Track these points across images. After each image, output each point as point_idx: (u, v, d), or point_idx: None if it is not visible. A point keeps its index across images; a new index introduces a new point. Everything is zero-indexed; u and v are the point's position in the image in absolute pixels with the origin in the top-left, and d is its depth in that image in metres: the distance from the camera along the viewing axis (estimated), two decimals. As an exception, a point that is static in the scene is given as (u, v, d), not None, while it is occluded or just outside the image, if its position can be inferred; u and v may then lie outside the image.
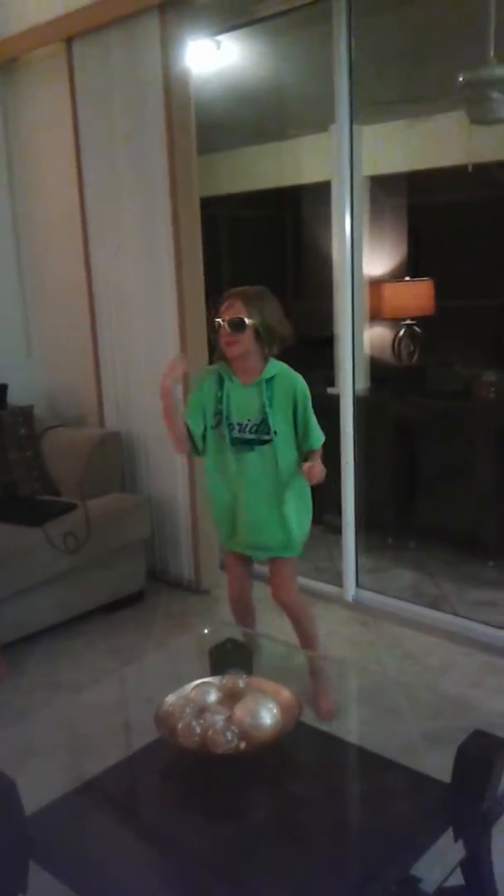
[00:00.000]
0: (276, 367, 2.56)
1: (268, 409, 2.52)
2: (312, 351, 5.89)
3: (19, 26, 3.75)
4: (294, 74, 4.71)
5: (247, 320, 2.48)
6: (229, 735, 1.75)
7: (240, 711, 1.80)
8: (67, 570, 3.30)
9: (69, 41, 3.54)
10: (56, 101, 3.71)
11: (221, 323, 2.50)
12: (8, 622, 3.12)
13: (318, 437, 2.59)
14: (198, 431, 2.61)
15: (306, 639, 2.77)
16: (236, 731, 1.76)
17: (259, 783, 1.83)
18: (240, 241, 6.68)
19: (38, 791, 1.92)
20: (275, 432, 2.53)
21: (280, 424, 2.53)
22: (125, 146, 3.47)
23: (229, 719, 1.80)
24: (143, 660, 3.07)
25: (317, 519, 4.51)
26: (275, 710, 1.81)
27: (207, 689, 1.93)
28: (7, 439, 3.59)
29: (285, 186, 6.15)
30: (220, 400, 2.58)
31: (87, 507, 3.40)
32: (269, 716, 1.79)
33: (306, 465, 2.51)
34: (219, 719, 1.79)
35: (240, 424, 2.56)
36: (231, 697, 1.90)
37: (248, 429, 2.56)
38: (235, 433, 2.57)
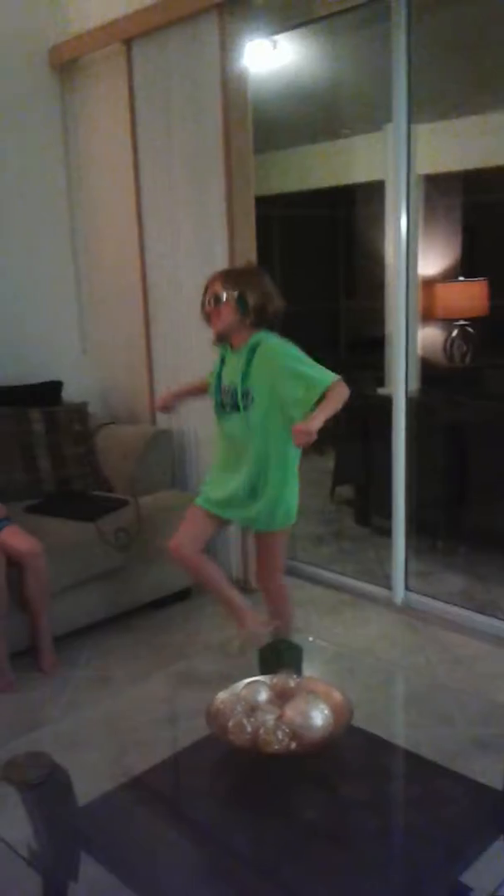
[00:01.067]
0: (259, 336, 2.62)
1: (244, 376, 2.59)
2: (363, 351, 5.89)
3: (80, 27, 3.80)
4: (349, 74, 4.70)
5: (223, 295, 2.58)
6: (280, 734, 1.75)
7: (291, 711, 1.81)
8: (118, 566, 3.34)
9: (128, 42, 3.58)
10: (114, 101, 3.75)
11: (206, 303, 2.63)
12: (59, 616, 3.17)
13: (323, 378, 2.52)
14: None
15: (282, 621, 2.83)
16: (287, 730, 1.77)
17: (309, 784, 1.84)
18: (291, 240, 6.68)
19: (87, 783, 1.95)
20: (252, 399, 2.58)
21: (259, 393, 2.58)
22: (183, 145, 3.49)
23: (280, 719, 1.81)
24: (190, 657, 3.09)
25: (364, 520, 4.55)
26: (326, 712, 1.81)
27: (258, 687, 1.94)
28: (62, 435, 3.65)
29: (338, 186, 6.13)
30: (219, 371, 2.71)
31: (138, 504, 3.44)
32: (320, 717, 1.79)
33: (294, 426, 2.47)
34: (270, 718, 1.80)
35: (225, 388, 2.67)
36: (281, 697, 1.91)
37: (230, 393, 2.64)
38: (222, 396, 2.68)
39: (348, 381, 5.19)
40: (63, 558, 3.16)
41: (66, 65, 3.93)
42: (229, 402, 2.66)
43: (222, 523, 2.86)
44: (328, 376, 2.54)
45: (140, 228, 3.77)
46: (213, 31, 3.27)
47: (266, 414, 2.60)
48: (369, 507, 4.53)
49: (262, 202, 3.64)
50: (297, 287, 6.99)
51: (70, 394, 3.91)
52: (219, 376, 2.71)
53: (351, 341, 6.48)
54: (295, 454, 2.70)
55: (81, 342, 4.25)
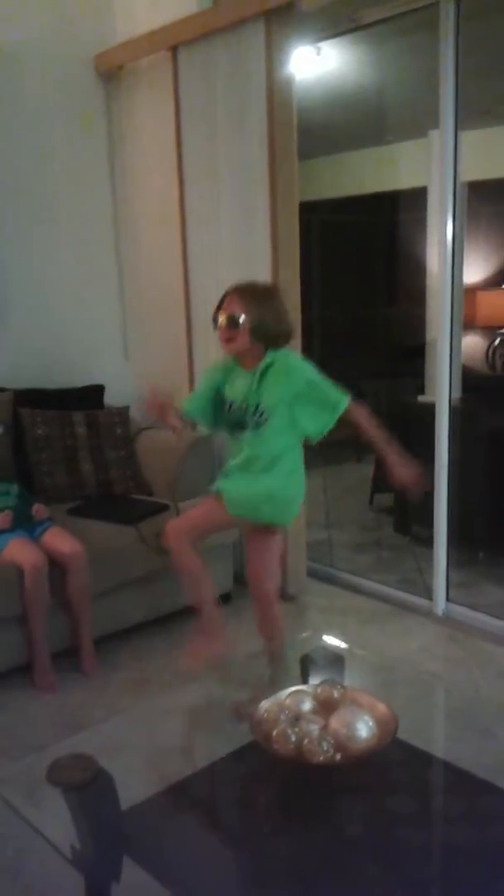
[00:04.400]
0: (274, 355, 2.56)
1: (255, 394, 2.54)
2: (403, 358, 5.85)
3: (126, 35, 3.84)
4: (393, 80, 4.68)
5: (241, 318, 2.51)
6: (325, 745, 1.74)
7: (336, 722, 1.80)
8: (158, 570, 3.35)
9: (174, 49, 3.60)
10: (160, 107, 3.78)
11: (218, 318, 2.55)
12: (100, 618, 3.19)
13: (339, 400, 2.54)
14: (190, 406, 2.73)
15: (272, 629, 2.79)
16: (332, 741, 1.76)
17: (352, 796, 1.82)
18: (333, 245, 6.67)
19: (129, 787, 1.96)
20: (264, 416, 2.54)
21: (272, 410, 2.53)
22: (227, 151, 3.51)
23: (325, 729, 1.80)
24: (231, 663, 3.09)
25: (404, 529, 4.51)
26: (371, 724, 1.80)
27: (302, 697, 1.93)
28: (104, 439, 3.68)
29: (380, 192, 6.11)
30: (223, 382, 2.66)
31: (178, 508, 3.45)
32: (365, 728, 1.78)
33: (396, 472, 2.56)
34: (314, 728, 1.79)
35: (231, 406, 2.62)
36: (326, 707, 1.90)
37: (239, 408, 2.59)
38: (229, 411, 2.63)
39: (389, 388, 5.16)
40: (104, 561, 3.18)
41: (112, 71, 3.97)
42: (234, 420, 2.61)
43: (233, 523, 2.83)
44: (344, 398, 2.54)
45: (183, 234, 3.79)
46: (259, 37, 3.28)
47: (278, 430, 2.56)
48: (409, 516, 4.49)
49: (305, 207, 3.64)
50: (338, 293, 7.00)
51: (112, 398, 3.94)
52: (221, 392, 2.65)
53: (391, 348, 6.45)
54: (300, 452, 2.69)
55: (124, 348, 4.28)
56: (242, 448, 2.65)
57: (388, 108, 5.12)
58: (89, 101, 4.00)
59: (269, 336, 2.56)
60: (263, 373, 2.54)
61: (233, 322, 2.53)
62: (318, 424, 2.56)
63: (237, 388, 2.61)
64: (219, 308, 2.61)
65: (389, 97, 4.88)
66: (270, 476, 2.61)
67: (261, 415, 2.55)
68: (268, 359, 2.56)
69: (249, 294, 2.56)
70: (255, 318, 2.52)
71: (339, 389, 2.55)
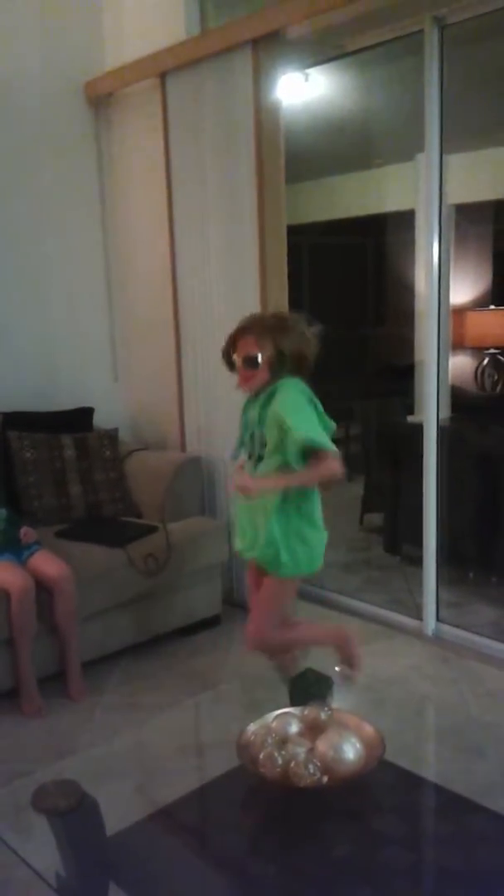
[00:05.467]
0: (276, 386, 2.46)
1: (260, 422, 2.49)
2: (392, 379, 5.88)
3: (116, 62, 3.88)
4: (380, 105, 4.75)
5: (259, 357, 2.43)
6: (312, 768, 1.73)
7: (322, 745, 1.79)
8: (147, 592, 3.34)
9: (163, 76, 3.65)
10: (149, 133, 3.82)
11: (235, 360, 2.48)
12: (88, 641, 3.17)
13: (301, 434, 2.36)
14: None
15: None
16: (319, 764, 1.75)
17: (340, 818, 1.81)
18: (321, 268, 6.72)
19: (116, 812, 1.94)
20: (265, 446, 2.46)
21: (270, 440, 2.45)
22: (216, 177, 3.54)
23: (311, 752, 1.79)
24: (219, 686, 3.07)
25: (394, 549, 4.51)
26: (358, 746, 1.79)
27: (289, 719, 1.92)
28: (93, 461, 3.68)
29: (368, 215, 6.17)
30: (246, 416, 2.60)
31: (167, 530, 3.44)
32: (352, 751, 1.77)
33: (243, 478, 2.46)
34: (301, 751, 1.78)
35: (252, 435, 2.55)
36: (313, 729, 1.89)
37: (251, 438, 2.55)
38: (255, 446, 2.55)
39: (379, 408, 5.17)
40: (92, 583, 3.17)
41: (102, 98, 4.01)
42: (256, 450, 2.54)
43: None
44: (308, 435, 2.37)
45: (172, 258, 3.81)
46: (247, 64, 3.32)
47: (274, 460, 2.46)
48: (399, 536, 4.49)
49: (294, 231, 3.68)
50: (327, 314, 7.03)
51: (101, 420, 3.95)
52: (245, 426, 2.61)
53: (380, 368, 6.49)
54: (308, 505, 2.52)
55: (113, 370, 4.29)
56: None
57: (375, 133, 5.19)
58: (79, 127, 4.04)
59: (287, 363, 2.46)
60: (266, 403, 2.47)
61: (251, 363, 2.45)
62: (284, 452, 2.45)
63: (249, 417, 2.57)
64: (231, 347, 2.52)
65: (376, 122, 4.95)
66: (263, 512, 2.51)
67: (263, 446, 2.49)
68: (271, 388, 2.47)
69: (264, 328, 2.47)
70: (271, 351, 2.43)
71: (315, 429, 2.41)
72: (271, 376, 2.47)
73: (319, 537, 2.56)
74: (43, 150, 3.92)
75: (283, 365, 2.46)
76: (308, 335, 2.50)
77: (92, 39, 3.99)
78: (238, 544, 2.66)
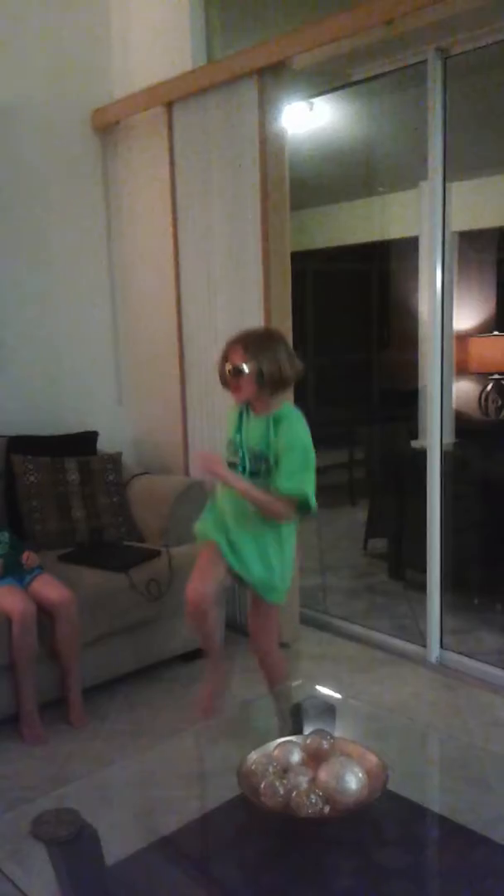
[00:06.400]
0: (286, 411, 2.63)
1: (267, 444, 2.58)
2: (396, 404, 5.89)
3: (123, 91, 3.94)
4: (384, 133, 4.80)
5: (245, 367, 2.56)
6: (314, 798, 1.71)
7: (324, 774, 1.76)
8: (149, 617, 3.32)
9: (170, 105, 3.69)
10: (155, 161, 3.86)
11: (228, 368, 2.61)
12: (89, 667, 3.15)
13: (286, 485, 2.54)
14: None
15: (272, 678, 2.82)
16: (321, 794, 1.72)
17: (342, 850, 1.78)
18: (326, 294, 6.76)
19: (115, 841, 1.91)
20: (267, 467, 2.58)
21: (272, 464, 2.59)
22: (220, 204, 3.57)
23: (313, 781, 1.76)
24: (220, 713, 3.04)
25: (398, 574, 4.49)
26: (361, 775, 1.76)
27: (291, 748, 1.90)
28: (96, 485, 3.67)
29: (372, 241, 6.22)
30: (238, 429, 2.69)
31: (170, 555, 3.43)
32: (354, 780, 1.74)
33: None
34: (303, 781, 1.76)
35: (251, 450, 2.63)
36: (315, 758, 1.86)
37: (253, 456, 2.62)
38: (233, 457, 2.67)
39: (382, 432, 5.18)
40: (94, 608, 3.15)
41: (109, 126, 4.06)
42: (247, 465, 2.63)
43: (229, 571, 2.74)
44: (291, 486, 2.54)
45: (177, 283, 3.84)
46: (253, 94, 3.37)
47: (266, 481, 2.60)
48: (403, 561, 4.47)
49: (298, 257, 3.70)
50: (331, 339, 7.07)
51: (105, 444, 3.95)
52: (238, 435, 2.68)
53: (384, 393, 6.50)
54: (288, 532, 2.70)
55: (118, 393, 4.30)
56: (228, 495, 2.67)
57: (379, 160, 5.24)
58: (86, 155, 4.08)
59: (273, 382, 2.59)
60: (275, 424, 2.59)
61: (237, 372, 2.58)
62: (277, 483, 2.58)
63: (252, 433, 2.64)
64: (224, 360, 2.65)
65: (380, 149, 5.00)
66: (264, 537, 2.65)
67: (267, 462, 2.59)
68: (278, 412, 2.61)
69: (250, 343, 2.60)
70: (257, 365, 2.56)
71: (300, 478, 2.55)
72: (259, 390, 2.59)
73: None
74: (50, 178, 3.96)
75: (268, 380, 2.57)
76: (287, 353, 2.63)
77: (100, 68, 4.05)
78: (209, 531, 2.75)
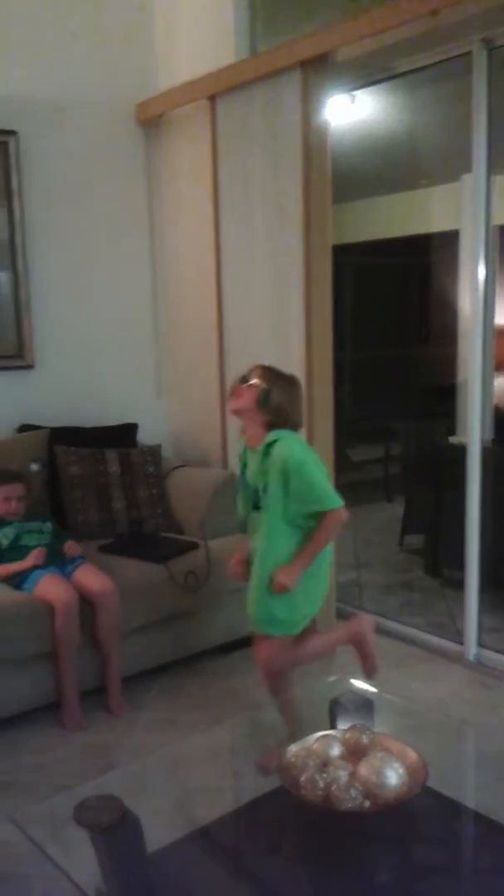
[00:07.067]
0: (274, 436, 2.53)
1: (262, 473, 2.54)
2: (434, 399, 5.85)
3: (167, 85, 3.95)
4: (427, 126, 4.75)
5: (253, 379, 2.56)
6: (353, 792, 1.72)
7: (364, 769, 1.77)
8: (187, 609, 3.35)
9: (213, 98, 3.70)
10: (197, 154, 3.87)
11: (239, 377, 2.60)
12: (128, 656, 3.19)
13: (323, 501, 2.48)
14: (243, 510, 2.71)
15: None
16: (361, 788, 1.73)
17: (381, 844, 1.79)
18: (365, 287, 6.72)
19: (154, 830, 1.94)
20: (268, 496, 2.51)
21: (272, 493, 2.50)
22: (263, 197, 3.57)
23: (353, 775, 1.77)
24: (257, 705, 3.06)
25: (434, 571, 4.47)
26: (401, 771, 1.77)
27: (330, 741, 1.91)
28: (136, 477, 3.71)
29: (412, 235, 6.17)
30: (244, 467, 2.67)
31: (208, 547, 3.46)
32: (395, 776, 1.75)
33: (275, 574, 2.48)
34: (343, 775, 1.77)
35: (255, 486, 2.61)
36: (354, 753, 1.87)
37: (258, 492, 2.59)
38: (258, 496, 2.60)
39: (420, 428, 5.15)
40: (133, 599, 3.19)
41: (152, 120, 4.08)
42: (259, 501, 2.60)
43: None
44: (328, 501, 2.48)
45: (218, 275, 3.85)
46: (296, 87, 3.36)
47: (277, 513, 2.51)
48: (440, 558, 4.45)
49: (337, 250, 3.69)
50: (369, 334, 7.04)
51: (145, 436, 3.98)
52: (244, 476, 2.67)
53: (422, 389, 6.45)
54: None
55: (157, 386, 4.33)
56: (253, 532, 2.66)
57: (421, 153, 5.19)
58: (129, 149, 4.11)
59: (274, 412, 2.54)
60: (266, 451, 2.54)
61: (244, 379, 2.59)
62: (301, 514, 2.52)
63: (252, 468, 2.62)
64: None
65: (423, 142, 4.95)
66: (260, 565, 2.56)
67: (265, 492, 2.53)
68: (271, 437, 2.54)
69: (272, 371, 2.62)
70: (266, 386, 2.54)
71: (329, 489, 2.51)
72: (256, 410, 2.55)
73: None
74: (94, 172, 4.00)
75: (270, 407, 2.54)
76: (297, 402, 2.62)
77: (144, 62, 4.07)
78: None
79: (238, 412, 2.63)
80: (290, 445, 2.51)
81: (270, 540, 2.54)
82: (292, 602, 2.55)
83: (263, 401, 2.54)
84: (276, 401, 2.54)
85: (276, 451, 2.50)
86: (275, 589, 2.49)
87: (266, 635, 2.62)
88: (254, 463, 2.60)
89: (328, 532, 2.53)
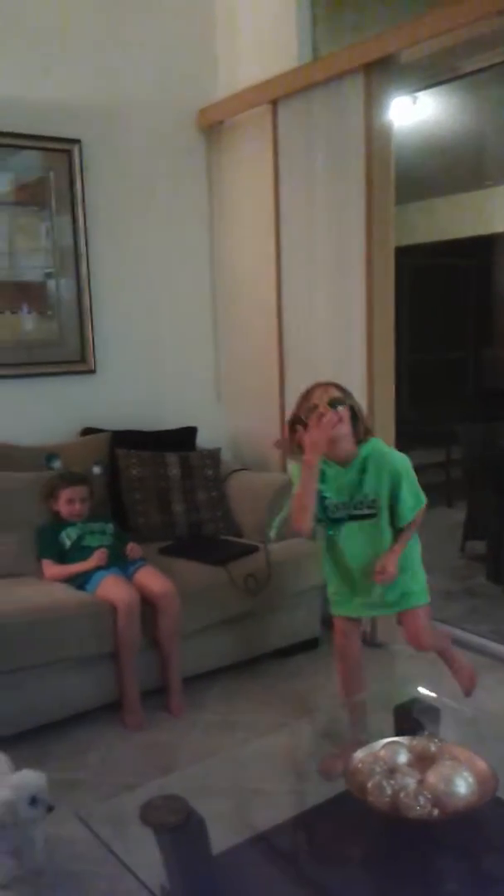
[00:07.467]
0: (372, 445, 2.63)
1: (362, 484, 2.60)
2: (497, 402, 5.74)
3: (229, 90, 3.97)
4: (491, 126, 4.69)
5: (345, 400, 2.60)
6: (422, 800, 1.69)
7: (433, 777, 1.74)
8: (247, 612, 3.35)
9: (274, 102, 3.71)
10: (258, 159, 3.88)
11: (317, 406, 2.54)
12: (189, 658, 3.20)
13: (421, 498, 2.65)
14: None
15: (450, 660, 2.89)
16: (429, 796, 1.71)
17: (449, 854, 1.76)
18: (425, 289, 6.65)
19: (217, 831, 1.94)
20: (376, 508, 2.62)
21: (383, 497, 2.62)
22: (324, 201, 3.56)
23: (421, 783, 1.75)
24: (318, 709, 3.05)
25: (497, 578, 4.38)
26: (470, 780, 1.74)
27: (397, 748, 1.88)
28: (196, 480, 3.73)
29: (476, 235, 6.08)
30: (327, 489, 2.65)
31: (268, 551, 3.45)
32: (464, 785, 1.72)
33: (378, 565, 2.61)
34: (411, 782, 1.74)
35: (341, 505, 2.64)
36: (422, 761, 1.85)
37: (351, 506, 2.63)
38: (336, 513, 2.66)
39: (483, 431, 5.04)
40: (194, 601, 3.20)
41: (214, 126, 4.11)
42: (357, 514, 2.65)
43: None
44: (416, 504, 2.65)
45: (278, 280, 3.85)
46: (359, 90, 3.34)
47: (384, 515, 2.64)
48: (503, 564, 4.36)
49: (399, 252, 3.65)
50: (431, 335, 6.95)
51: (204, 440, 4.00)
52: (329, 495, 2.66)
53: (485, 392, 6.35)
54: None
55: (217, 389, 4.35)
56: (346, 548, 2.68)
57: (484, 153, 5.12)
58: (191, 155, 4.14)
59: (362, 424, 2.64)
60: (363, 465, 2.60)
61: (338, 402, 2.58)
62: (409, 511, 2.64)
63: (344, 488, 2.63)
64: (304, 407, 2.61)
65: (486, 142, 4.88)
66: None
67: (374, 502, 2.62)
68: (369, 447, 2.62)
69: (340, 385, 2.65)
70: (353, 403, 2.63)
71: (419, 498, 2.66)
72: (353, 428, 2.60)
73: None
74: (156, 177, 4.04)
75: (357, 419, 2.62)
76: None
77: (205, 68, 4.09)
78: (341, 603, 2.79)
79: (340, 437, 2.60)
80: (391, 450, 2.68)
81: (388, 540, 2.66)
82: (415, 574, 2.75)
83: (356, 417, 2.61)
84: (363, 413, 2.65)
85: (385, 458, 2.61)
86: (388, 579, 2.61)
87: (409, 610, 2.74)
88: (344, 478, 2.62)
89: (418, 522, 2.70)
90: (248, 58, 3.95)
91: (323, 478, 2.62)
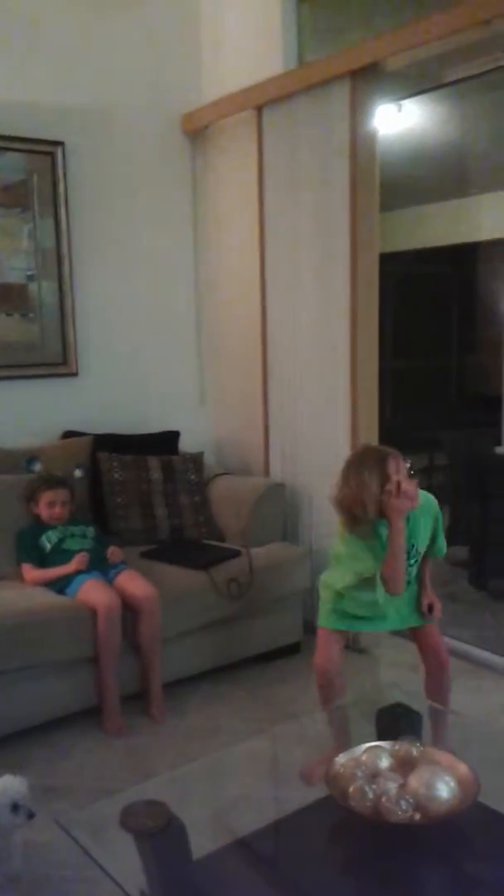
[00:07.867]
0: (422, 495, 2.65)
1: (412, 537, 2.62)
2: (480, 408, 5.77)
3: (214, 95, 3.98)
4: (475, 134, 4.72)
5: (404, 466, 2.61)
6: (404, 804, 1.69)
7: (415, 781, 1.74)
8: (228, 616, 3.34)
9: (259, 108, 3.71)
10: (243, 164, 3.88)
11: (392, 478, 2.52)
12: (169, 663, 3.19)
13: (443, 547, 2.76)
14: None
15: (443, 691, 2.75)
16: (411, 800, 1.70)
17: (431, 858, 1.75)
18: (410, 296, 6.68)
19: (198, 837, 1.93)
20: (418, 557, 2.68)
21: (424, 542, 2.70)
22: (308, 207, 3.57)
23: (403, 788, 1.74)
24: (299, 714, 3.03)
25: (479, 583, 4.40)
26: (452, 784, 1.73)
27: (379, 753, 1.88)
28: (178, 484, 3.72)
29: (458, 243, 6.12)
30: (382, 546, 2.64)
31: (250, 555, 3.44)
32: (446, 789, 1.72)
33: (424, 605, 2.74)
34: (392, 786, 1.74)
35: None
36: (404, 765, 1.84)
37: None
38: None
39: (466, 437, 5.06)
40: (175, 605, 3.18)
41: (198, 130, 4.11)
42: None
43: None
44: (444, 549, 2.79)
45: (262, 286, 3.85)
46: (344, 96, 3.35)
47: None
48: (485, 570, 4.38)
49: (384, 258, 3.67)
50: (414, 342, 6.98)
51: (186, 444, 3.99)
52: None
53: (467, 398, 6.39)
54: None
55: (200, 393, 4.34)
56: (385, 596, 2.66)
57: (468, 162, 5.16)
58: (175, 159, 4.14)
59: None
60: (412, 516, 2.63)
61: (411, 473, 2.62)
62: (441, 544, 2.76)
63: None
64: (381, 477, 2.54)
65: (470, 151, 4.92)
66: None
67: (416, 558, 2.66)
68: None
69: (392, 451, 2.63)
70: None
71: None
72: None
73: None
74: (139, 181, 4.03)
75: None
76: None
77: (191, 72, 4.10)
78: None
79: None
80: (429, 496, 2.71)
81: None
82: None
83: None
84: None
85: (427, 502, 2.68)
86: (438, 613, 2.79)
87: (430, 625, 2.83)
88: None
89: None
90: (233, 63, 3.96)
91: (381, 539, 2.59)
